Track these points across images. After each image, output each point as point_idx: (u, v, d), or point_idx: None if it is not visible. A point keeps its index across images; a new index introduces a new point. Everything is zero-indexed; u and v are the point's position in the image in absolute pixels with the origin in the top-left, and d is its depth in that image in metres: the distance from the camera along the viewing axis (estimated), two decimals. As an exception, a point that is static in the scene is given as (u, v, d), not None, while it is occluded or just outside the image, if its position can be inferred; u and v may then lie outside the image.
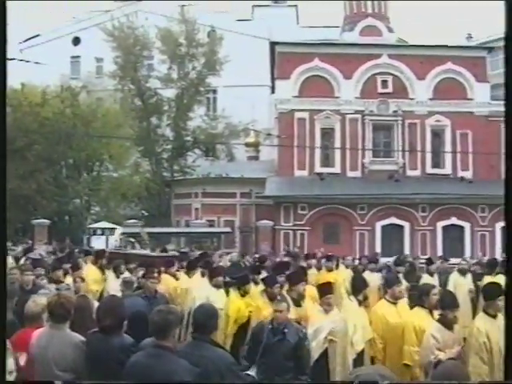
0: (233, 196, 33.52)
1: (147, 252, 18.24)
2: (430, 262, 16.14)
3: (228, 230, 32.58)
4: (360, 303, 8.93)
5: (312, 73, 32.67)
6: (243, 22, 46.69)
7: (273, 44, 34.85)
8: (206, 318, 5.47)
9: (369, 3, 35.22)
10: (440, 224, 30.67)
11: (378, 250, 29.02)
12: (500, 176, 32.25)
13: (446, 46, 34.20)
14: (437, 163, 32.65)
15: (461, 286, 13.90)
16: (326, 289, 8.79)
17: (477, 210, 30.81)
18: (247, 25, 46.25)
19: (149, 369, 4.68)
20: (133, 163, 37.72)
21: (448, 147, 32.38)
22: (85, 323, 5.64)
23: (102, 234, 28.80)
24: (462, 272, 15.07)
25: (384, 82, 32.78)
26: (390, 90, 32.68)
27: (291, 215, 30.30)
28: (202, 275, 11.92)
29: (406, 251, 28.97)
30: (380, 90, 32.65)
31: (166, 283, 11.72)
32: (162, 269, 12.38)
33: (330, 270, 15.03)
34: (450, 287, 13.91)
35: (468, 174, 32.03)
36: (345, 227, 30.42)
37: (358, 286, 9.12)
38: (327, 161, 32.44)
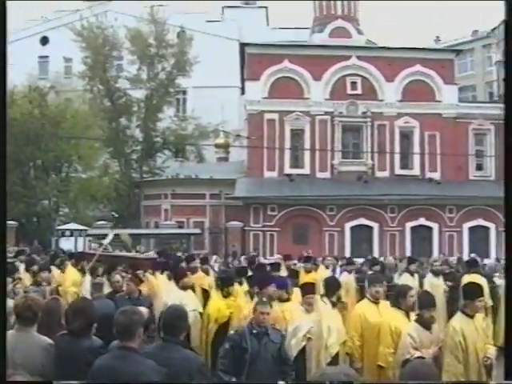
0: (202, 197, 33.40)
1: (135, 254, 18.10)
2: (411, 261, 16.23)
3: (197, 231, 32.49)
4: (334, 305, 8.86)
5: (282, 74, 32.70)
6: (213, 23, 46.59)
7: (243, 45, 34.84)
8: (174, 320, 5.42)
9: (338, 5, 35.30)
10: (408, 225, 30.92)
11: (348, 250, 29.23)
12: (467, 177, 32.79)
13: (415, 49, 34.51)
14: (405, 164, 32.89)
15: (437, 287, 13.99)
16: (307, 288, 8.83)
17: (445, 211, 31.10)
18: (217, 26, 46.15)
19: (115, 371, 4.60)
20: (102, 164, 37.41)
21: (416, 148, 32.65)
22: (53, 326, 5.55)
23: (71, 236, 28.48)
24: (436, 273, 15.21)
25: (353, 84, 32.94)
26: (359, 91, 32.84)
27: (261, 216, 30.30)
28: (169, 278, 11.80)
29: (375, 252, 29.18)
30: (349, 91, 32.79)
31: (150, 285, 11.63)
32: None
33: (308, 271, 15.02)
34: (427, 288, 14.02)
35: (436, 175, 32.32)
36: (314, 228, 30.49)
37: (331, 288, 9.02)
38: (297, 162, 32.49)
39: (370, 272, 15.06)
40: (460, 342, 7.15)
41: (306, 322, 8.23)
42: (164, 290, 11.20)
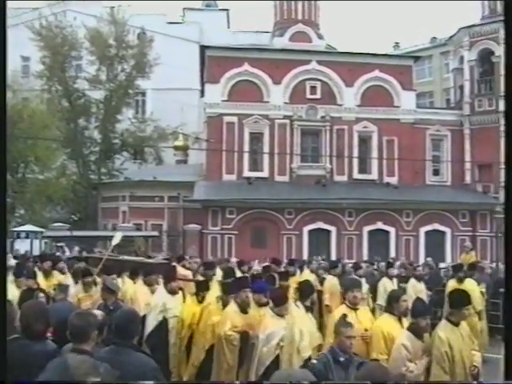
0: (160, 200, 33.24)
1: (142, 259, 17.19)
2: (389, 265, 16.29)
3: (155, 233, 32.31)
4: (307, 309, 8.83)
5: (241, 77, 32.70)
6: (174, 25, 46.38)
7: (203, 48, 34.77)
8: (126, 323, 5.35)
9: (299, 10, 35.49)
10: (366, 228, 31.11)
11: (305, 254, 29.28)
12: (424, 182, 33.18)
13: (374, 54, 34.87)
14: (363, 169, 33.13)
15: (420, 292, 14.01)
16: (284, 296, 8.62)
17: (402, 215, 31.38)
18: (178, 28, 45.96)
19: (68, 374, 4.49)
20: (59, 165, 36.92)
21: (374, 153, 32.90)
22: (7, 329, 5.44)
23: (27, 238, 28.08)
24: (418, 278, 15.27)
25: (313, 88, 33.08)
26: (318, 95, 32.99)
27: (219, 219, 30.20)
28: (145, 283, 11.47)
29: (333, 256, 29.28)
30: (309, 95, 32.93)
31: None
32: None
33: (292, 274, 14.99)
34: (410, 294, 14.07)
35: (394, 180, 32.63)
36: (272, 231, 30.51)
37: (305, 292, 8.98)
38: (255, 165, 32.51)
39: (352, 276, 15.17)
40: (446, 353, 7.08)
41: (279, 330, 8.11)
42: (141, 295, 10.92)
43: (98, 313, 6.07)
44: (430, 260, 24.94)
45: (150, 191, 33.06)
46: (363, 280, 15.61)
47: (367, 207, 30.68)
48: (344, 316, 7.07)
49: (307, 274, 15.38)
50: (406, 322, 7.61)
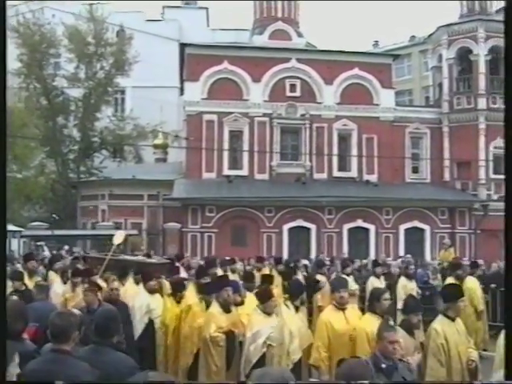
0: (140, 198, 33.07)
1: (144, 258, 16.58)
2: (375, 264, 16.29)
3: (135, 232, 32.12)
4: (297, 309, 8.77)
5: (221, 75, 32.63)
6: (153, 23, 46.20)
7: (182, 45, 34.67)
8: (106, 322, 5.31)
9: (279, 7, 35.48)
10: (346, 226, 31.18)
11: (285, 252, 29.33)
12: (404, 179, 33.31)
13: (354, 52, 34.98)
14: (343, 167, 33.18)
15: (410, 290, 13.98)
16: (267, 293, 8.61)
17: (381, 213, 31.49)
18: (157, 25, 45.80)
19: (48, 374, 4.46)
20: (38, 164, 36.64)
21: (354, 151, 33.01)
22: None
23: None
24: (409, 276, 15.27)
25: (292, 86, 33.09)
26: (298, 93, 33.01)
27: (199, 217, 30.13)
28: (137, 282, 11.34)
29: (313, 253, 29.36)
30: (288, 93, 32.93)
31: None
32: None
33: (279, 272, 14.93)
34: (400, 292, 14.05)
35: (373, 178, 32.73)
36: (252, 229, 30.49)
37: (294, 291, 8.91)
38: (235, 163, 32.47)
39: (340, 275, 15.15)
40: (442, 345, 7.11)
41: (266, 328, 8.04)
42: (130, 296, 10.70)
43: (77, 312, 6.03)
44: (410, 257, 25.15)
45: (129, 190, 32.91)
46: (351, 278, 15.71)
47: (347, 205, 30.74)
48: (386, 319, 6.94)
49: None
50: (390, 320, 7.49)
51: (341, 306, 8.31)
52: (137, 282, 11.21)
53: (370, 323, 7.56)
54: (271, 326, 8.09)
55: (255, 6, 36.44)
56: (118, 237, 14.51)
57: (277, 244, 30.27)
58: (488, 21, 34.35)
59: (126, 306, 9.29)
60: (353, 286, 14.95)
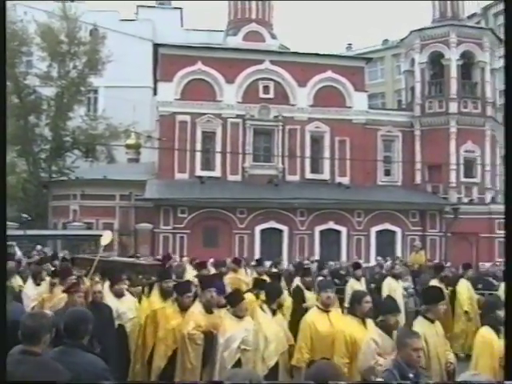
0: (112, 198, 32.84)
1: (134, 260, 16.11)
2: (356, 266, 16.32)
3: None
4: (274, 312, 8.72)
5: (194, 76, 32.58)
6: (127, 22, 46.04)
7: (156, 46, 34.56)
8: (76, 323, 5.28)
9: (253, 9, 35.52)
10: (318, 228, 31.24)
11: (257, 253, 29.31)
12: (375, 182, 33.51)
13: (327, 55, 35.13)
14: (315, 169, 33.29)
15: (395, 290, 14.10)
16: (237, 297, 8.61)
17: (353, 215, 31.62)
18: (131, 25, 45.65)
19: (17, 376, 4.44)
20: (9, 163, 36.14)
21: (326, 153, 33.12)
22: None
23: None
24: (396, 276, 15.31)
25: (266, 88, 33.13)
26: (271, 95, 33.06)
27: (171, 218, 30.01)
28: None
29: (284, 255, 29.43)
30: (262, 95, 32.98)
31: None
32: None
33: (260, 274, 14.91)
34: (385, 292, 14.08)
35: (345, 180, 32.88)
36: (224, 231, 30.46)
37: (271, 295, 8.87)
38: (208, 164, 32.40)
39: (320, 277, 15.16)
40: (422, 347, 7.03)
41: (238, 332, 8.01)
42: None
43: (50, 314, 6.00)
44: (381, 259, 25.32)
45: (101, 190, 32.67)
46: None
47: (319, 207, 30.81)
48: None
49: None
50: (370, 323, 7.60)
51: (326, 308, 8.34)
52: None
53: (350, 326, 7.65)
54: (245, 330, 8.06)
55: (229, 7, 36.45)
56: (106, 237, 14.08)
57: (249, 245, 30.27)
58: (460, 26, 34.76)
59: (109, 309, 9.17)
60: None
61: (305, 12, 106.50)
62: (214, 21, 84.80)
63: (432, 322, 7.50)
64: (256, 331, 8.11)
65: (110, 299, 9.83)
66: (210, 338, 8.43)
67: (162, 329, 8.94)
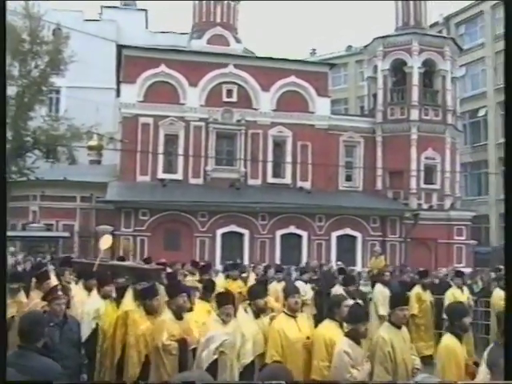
0: (73, 200, 32.57)
1: (134, 264, 15.79)
2: (340, 271, 16.34)
3: (66, 234, 31.70)
4: (257, 314, 8.63)
5: (158, 78, 32.45)
6: (91, 23, 45.71)
7: (120, 47, 34.28)
8: (31, 325, 5.24)
9: (218, 13, 35.50)
10: (279, 232, 31.28)
11: (218, 257, 29.35)
12: (337, 187, 33.73)
13: (291, 60, 35.23)
14: (277, 173, 33.39)
15: (386, 297, 13.97)
16: (224, 298, 8.51)
17: (314, 220, 31.75)
18: (95, 25, 45.32)
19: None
20: (-33, 162, 35.67)
21: (289, 158, 33.24)
22: None
23: None
24: (385, 283, 15.18)
25: (229, 92, 33.15)
26: (234, 99, 33.08)
27: (132, 221, 29.82)
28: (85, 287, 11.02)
29: (246, 258, 29.45)
30: (225, 99, 32.96)
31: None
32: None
33: (234, 278, 14.82)
34: (377, 298, 14.06)
35: (307, 185, 33.05)
36: (186, 234, 30.36)
37: (253, 297, 8.80)
38: (170, 167, 32.28)
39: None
40: (389, 353, 7.18)
41: (219, 334, 7.94)
42: (78, 301, 10.44)
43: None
44: (341, 264, 25.52)
45: (61, 191, 32.39)
46: (308, 285, 15.76)
47: (280, 211, 30.88)
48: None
49: (252, 279, 15.36)
50: (347, 327, 7.58)
51: (292, 313, 8.29)
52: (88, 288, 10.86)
53: (329, 330, 7.64)
54: (226, 333, 8.00)
55: (194, 10, 36.39)
56: (105, 241, 13.79)
57: (210, 249, 30.19)
58: (422, 34, 35.22)
59: (76, 325, 8.86)
60: (309, 293, 15.06)
61: (270, 17, 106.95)
62: (179, 23, 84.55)
63: (398, 327, 7.55)
64: (234, 330, 8.05)
65: (93, 300, 9.88)
66: (183, 345, 8.37)
67: (131, 334, 8.76)
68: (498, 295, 13.98)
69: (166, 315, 8.57)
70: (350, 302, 8.13)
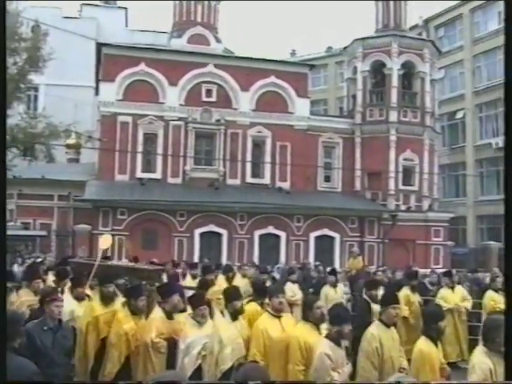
0: (50, 198, 32.28)
1: (134, 264, 15.22)
2: (332, 272, 16.31)
3: (44, 233, 31.43)
4: (235, 317, 8.50)
5: (137, 77, 32.31)
6: (71, 20, 45.37)
7: (99, 45, 34.11)
8: (7, 325, 5.18)
9: (198, 12, 35.44)
10: (257, 232, 31.32)
11: (197, 257, 29.28)
12: (316, 187, 33.80)
13: (271, 60, 35.19)
14: (256, 173, 33.40)
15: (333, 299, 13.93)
16: (198, 299, 8.45)
17: (293, 220, 31.82)
18: (74, 23, 44.99)
19: None
20: None
21: (268, 158, 33.25)
22: None
23: None
24: (334, 285, 15.30)
25: (209, 91, 33.09)
26: (214, 99, 33.02)
27: (110, 220, 29.69)
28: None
29: (224, 258, 29.39)
30: (204, 98, 32.90)
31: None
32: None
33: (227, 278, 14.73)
34: (322, 300, 14.04)
35: (286, 185, 33.09)
36: (164, 233, 30.27)
37: (230, 298, 8.65)
38: (148, 166, 32.16)
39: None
40: (377, 348, 7.25)
41: (199, 338, 7.89)
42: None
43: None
44: (319, 264, 25.62)
45: (39, 189, 32.11)
46: (296, 286, 15.72)
47: (259, 211, 30.90)
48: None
49: (239, 279, 15.21)
50: (324, 328, 7.54)
51: (277, 313, 8.24)
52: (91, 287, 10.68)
53: (304, 332, 7.55)
54: (206, 336, 7.96)
55: (175, 9, 36.29)
56: (105, 241, 13.37)
57: (188, 248, 30.15)
58: (402, 37, 35.38)
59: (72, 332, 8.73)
60: (298, 294, 15.06)
61: (250, 17, 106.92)
62: (159, 22, 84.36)
63: (388, 326, 7.60)
64: (212, 334, 7.98)
65: (67, 302, 9.44)
66: (172, 344, 8.30)
67: (114, 333, 8.65)
68: (490, 296, 14.02)
69: (157, 314, 8.55)
70: (321, 303, 8.01)
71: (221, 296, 10.69)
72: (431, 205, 34.89)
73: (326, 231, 32.28)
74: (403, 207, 33.72)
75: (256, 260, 28.82)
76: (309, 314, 7.68)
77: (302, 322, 7.84)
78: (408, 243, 32.90)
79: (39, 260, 21.85)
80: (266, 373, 4.52)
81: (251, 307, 9.34)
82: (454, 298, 14.58)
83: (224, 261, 27.98)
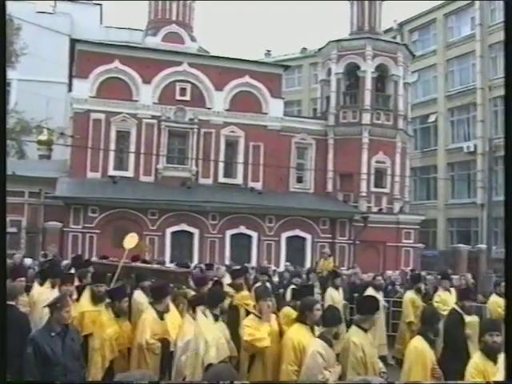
0: (21, 195, 31.81)
1: (160, 266, 14.98)
2: (335, 275, 16.23)
3: (14, 230, 31.10)
4: (217, 318, 8.49)
5: (111, 74, 32.10)
6: (44, 15, 44.97)
7: (73, 41, 33.77)
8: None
9: (174, 10, 35.35)
10: (229, 232, 31.28)
11: (168, 255, 29.15)
12: (288, 188, 33.90)
13: (246, 60, 35.19)
14: (229, 173, 33.36)
15: (338, 301, 13.97)
16: (198, 300, 8.59)
17: (264, 220, 31.85)
18: (48, 18, 44.53)
19: None
20: None
21: (240, 158, 33.25)
22: None
23: None
24: (377, 288, 15.12)
25: (182, 90, 33.00)
26: (187, 97, 32.93)
27: (81, 217, 29.46)
28: (53, 286, 10.65)
29: (195, 258, 29.39)
30: (178, 97, 32.80)
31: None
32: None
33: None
34: (328, 302, 13.98)
35: (258, 185, 33.11)
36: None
37: (214, 299, 8.63)
38: (121, 164, 31.99)
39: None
40: (361, 358, 7.21)
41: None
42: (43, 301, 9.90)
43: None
44: (289, 265, 25.68)
45: (9, 186, 30.73)
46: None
47: (231, 211, 30.89)
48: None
49: (227, 280, 15.10)
50: (318, 331, 7.59)
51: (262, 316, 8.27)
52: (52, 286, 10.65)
53: (299, 334, 7.62)
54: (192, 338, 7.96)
55: (150, 7, 36.18)
56: (130, 241, 13.04)
57: (159, 247, 29.97)
58: (376, 40, 35.58)
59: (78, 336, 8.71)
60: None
61: (225, 16, 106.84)
62: (134, 19, 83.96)
63: (365, 331, 7.58)
64: (196, 335, 7.96)
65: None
66: (165, 345, 8.35)
67: (97, 337, 8.59)
68: (495, 301, 13.97)
69: (151, 315, 8.56)
70: (319, 305, 8.09)
71: (249, 301, 10.87)
72: (402, 207, 35.13)
73: (297, 232, 32.37)
74: (375, 209, 33.93)
75: (227, 260, 28.83)
76: (308, 315, 7.76)
77: (298, 323, 7.90)
78: (379, 245, 33.11)
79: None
80: (236, 373, 4.55)
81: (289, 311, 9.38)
82: (452, 300, 14.63)
83: (195, 261, 28.06)
